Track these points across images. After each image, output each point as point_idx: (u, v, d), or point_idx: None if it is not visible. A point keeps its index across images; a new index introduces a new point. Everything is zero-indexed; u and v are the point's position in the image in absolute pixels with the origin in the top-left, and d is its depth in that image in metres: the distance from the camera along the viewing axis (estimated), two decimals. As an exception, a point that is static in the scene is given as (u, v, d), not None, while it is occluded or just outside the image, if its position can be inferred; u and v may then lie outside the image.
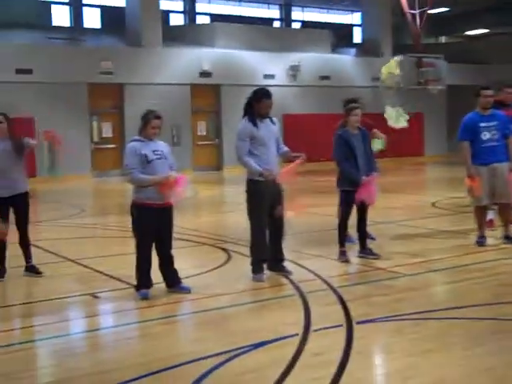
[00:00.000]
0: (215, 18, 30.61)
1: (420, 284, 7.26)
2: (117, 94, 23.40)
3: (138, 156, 6.71)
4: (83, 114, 22.73)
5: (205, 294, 6.93)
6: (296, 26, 34.44)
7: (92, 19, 28.44)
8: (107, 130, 23.49)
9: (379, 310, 6.21)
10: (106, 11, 28.61)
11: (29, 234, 7.98)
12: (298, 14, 34.83)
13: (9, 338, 5.84)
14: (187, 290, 6.95)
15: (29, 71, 21.31)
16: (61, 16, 27.90)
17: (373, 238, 9.35)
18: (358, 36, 35.43)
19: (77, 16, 28.03)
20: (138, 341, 5.79)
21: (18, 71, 21.15)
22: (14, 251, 7.99)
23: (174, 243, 7.13)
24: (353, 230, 8.76)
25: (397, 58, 8.94)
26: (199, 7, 31.57)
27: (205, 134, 25.43)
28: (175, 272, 7.02)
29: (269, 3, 33.68)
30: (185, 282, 7.07)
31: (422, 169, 25.90)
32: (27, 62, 21.41)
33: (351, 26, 36.72)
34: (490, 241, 9.20)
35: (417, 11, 28.08)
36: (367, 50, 29.80)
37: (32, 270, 7.93)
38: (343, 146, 8.25)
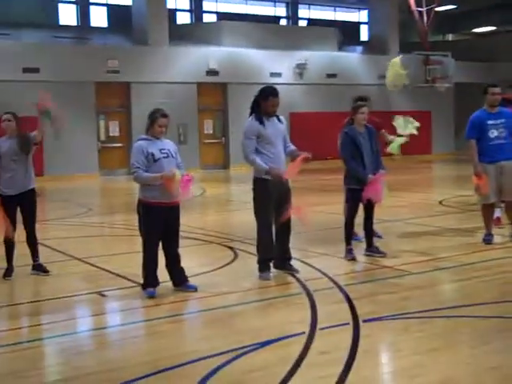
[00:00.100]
0: (222, 16, 30.60)
1: (427, 282, 7.25)
2: (123, 93, 23.44)
3: (144, 155, 6.72)
4: (90, 113, 22.78)
5: (211, 292, 6.94)
6: (303, 23, 34.39)
7: (99, 18, 28.47)
8: (114, 129, 23.52)
9: (386, 308, 6.20)
10: (113, 10, 28.64)
11: (36, 233, 8.00)
12: (304, 12, 34.78)
13: (16, 336, 5.87)
14: (194, 289, 6.96)
15: (36, 70, 21.36)
16: (68, 15, 27.95)
17: (379, 236, 9.34)
18: (364, 34, 35.36)
19: (84, 15, 28.07)
20: (145, 339, 5.80)
21: (25, 70, 21.20)
22: (21, 250, 8.02)
23: (181, 242, 7.14)
24: (359, 228, 8.75)
25: (397, 59, 8.88)
26: (206, 6, 31.56)
27: (211, 132, 25.43)
28: (182, 270, 7.03)
29: (275, 1, 33.66)
30: (191, 281, 7.07)
31: (430, 167, 25.86)
32: (34, 61, 21.47)
33: (358, 23, 36.65)
34: (497, 239, 9.18)
35: (424, 9, 28.06)
36: (374, 47, 29.75)
37: (39, 268, 7.96)
38: (350, 144, 8.23)
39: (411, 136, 9.62)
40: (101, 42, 24.76)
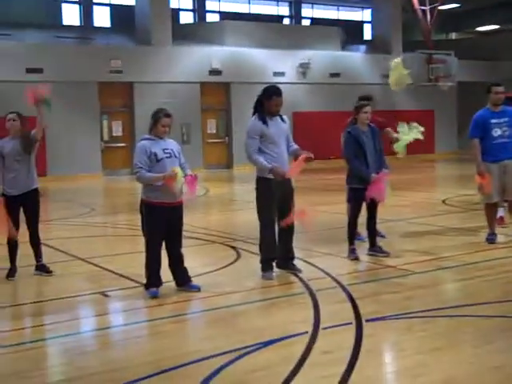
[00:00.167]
0: (225, 15, 30.60)
1: (430, 282, 7.25)
2: (127, 93, 23.45)
3: (147, 155, 6.73)
4: (93, 113, 22.80)
5: (214, 292, 6.94)
6: (306, 23, 34.38)
7: (102, 18, 28.49)
8: (117, 129, 23.53)
9: (389, 308, 6.20)
10: (116, 10, 28.66)
11: (39, 233, 8.00)
12: (307, 11, 34.75)
13: (20, 336, 5.88)
14: (197, 289, 6.96)
15: (39, 70, 21.37)
16: (71, 15, 27.97)
17: (383, 236, 9.34)
18: (368, 33, 35.31)
19: (87, 15, 28.08)
20: (148, 339, 5.81)
21: (29, 70, 21.22)
22: (24, 250, 8.03)
23: (184, 242, 7.15)
24: (362, 227, 8.75)
25: (399, 59, 8.84)
26: (209, 5, 31.56)
27: (215, 132, 25.43)
28: (185, 270, 7.03)
29: (278, 0, 33.66)
30: (194, 281, 7.08)
31: (433, 166, 25.84)
32: (38, 61, 21.50)
33: (361, 22, 36.62)
34: (500, 238, 9.17)
35: (427, 7, 28.01)
36: (377, 46, 29.72)
37: (42, 268, 7.96)
38: (353, 144, 8.23)
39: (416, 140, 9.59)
40: (104, 42, 24.78)
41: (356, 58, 28.62)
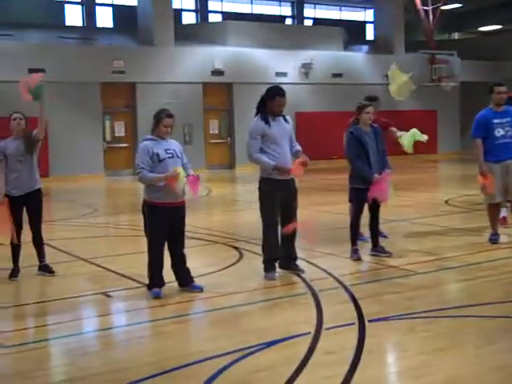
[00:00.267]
0: (227, 16, 30.61)
1: (432, 282, 7.24)
2: (129, 93, 23.46)
3: (149, 155, 6.73)
4: (96, 114, 22.81)
5: (217, 292, 6.94)
6: (308, 23, 34.38)
7: (104, 18, 28.51)
8: (120, 130, 23.54)
9: (391, 308, 6.20)
10: (119, 10, 28.67)
11: (42, 233, 8.01)
12: (310, 12, 34.75)
13: (22, 336, 5.88)
14: (199, 289, 6.96)
15: (42, 71, 21.33)
16: (73, 15, 27.99)
17: (385, 236, 9.33)
18: (370, 33, 35.30)
19: (89, 15, 28.11)
20: (151, 340, 5.81)
21: (31, 71, 21.17)
22: (27, 250, 8.03)
23: (186, 242, 7.14)
24: (365, 228, 8.74)
25: (394, 68, 8.82)
26: (211, 5, 31.56)
27: (217, 132, 25.44)
28: (187, 271, 7.03)
29: (281, 0, 33.65)
30: (197, 281, 7.08)
31: (435, 166, 25.81)
32: (40, 61, 21.49)
33: (364, 23, 36.61)
34: (503, 238, 9.17)
35: (430, 7, 28.03)
36: (380, 47, 29.71)
37: (45, 269, 7.97)
38: (355, 144, 8.22)
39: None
40: (106, 43, 24.80)
41: (358, 58, 28.61)
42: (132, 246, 9.91)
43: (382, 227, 9.12)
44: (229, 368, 4.79)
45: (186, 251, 7.07)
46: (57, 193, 18.15)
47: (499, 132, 8.86)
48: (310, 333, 5.47)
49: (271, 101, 7.42)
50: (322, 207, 13.03)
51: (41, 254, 8.01)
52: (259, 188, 7.54)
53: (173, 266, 7.00)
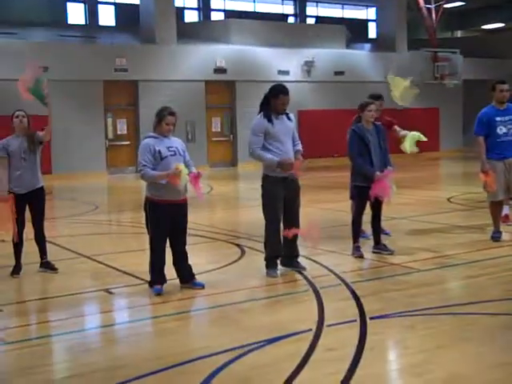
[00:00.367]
0: (229, 14, 30.60)
1: (434, 279, 7.24)
2: (131, 91, 23.47)
3: (151, 153, 6.73)
4: (98, 112, 22.82)
5: (219, 289, 6.95)
6: (310, 21, 34.35)
7: (107, 17, 28.52)
8: (122, 127, 23.55)
9: (393, 306, 6.20)
10: (121, 9, 28.68)
11: (44, 231, 8.03)
12: (312, 10, 34.73)
13: (25, 333, 5.89)
14: (201, 286, 6.97)
15: (44, 69, 21.38)
16: (76, 14, 28.01)
17: (387, 234, 9.34)
18: (372, 31, 35.28)
19: (92, 14, 28.12)
20: (152, 336, 5.82)
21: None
22: (29, 247, 8.05)
23: (188, 239, 7.16)
24: (367, 225, 8.74)
25: (392, 76, 8.82)
26: (213, 4, 31.56)
27: (219, 130, 25.45)
28: (189, 268, 7.04)
29: (283, -1, 33.66)
30: (199, 278, 7.09)
31: (438, 164, 25.80)
32: (43, 59, 21.46)
33: (366, 21, 36.58)
34: (505, 236, 9.16)
35: (432, 5, 28.01)
36: (382, 45, 29.69)
37: (47, 266, 7.98)
38: (357, 142, 8.22)
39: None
40: (109, 41, 24.80)
41: (361, 56, 28.59)
42: (134, 243, 9.94)
43: (384, 225, 9.12)
44: (231, 364, 4.80)
45: (188, 248, 7.08)
46: (59, 190, 18.17)
47: (501, 130, 8.86)
48: (311, 330, 5.48)
49: (275, 99, 7.42)
50: (323, 205, 13.04)
51: (43, 251, 8.02)
52: (262, 185, 7.54)
53: (174, 263, 7.00)
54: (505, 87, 8.96)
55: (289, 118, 7.59)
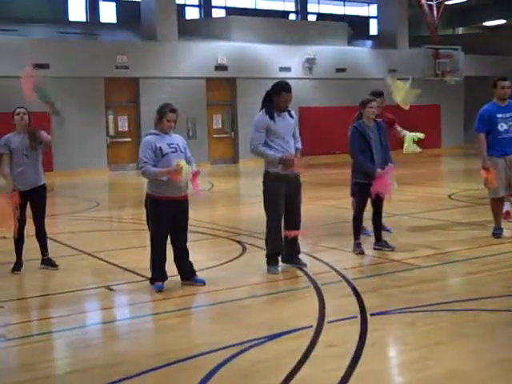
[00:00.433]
0: (231, 11, 30.57)
1: (435, 276, 7.25)
2: (132, 88, 23.46)
3: (152, 150, 6.74)
4: (99, 108, 22.81)
5: (220, 286, 6.95)
6: (312, 18, 34.32)
7: (108, 14, 28.51)
8: (123, 124, 23.54)
9: (393, 302, 6.20)
10: (122, 5, 28.67)
11: (45, 227, 8.03)
12: (313, 7, 34.70)
13: (26, 329, 5.92)
14: (202, 283, 6.98)
15: (45, 66, 21.40)
16: (77, 11, 28.00)
17: (388, 230, 9.33)
18: (374, 28, 35.24)
19: (93, 10, 28.11)
20: (153, 333, 5.83)
21: (35, 66, 21.23)
22: (30, 244, 8.05)
23: (189, 236, 7.17)
24: (368, 222, 8.74)
25: (389, 80, 8.87)
26: (215, 1, 31.53)
27: (220, 127, 25.44)
28: (190, 265, 7.05)
29: (284, -5, 33.62)
30: (200, 275, 7.09)
31: (439, 160, 25.77)
32: (44, 56, 21.50)
33: (367, 18, 36.55)
34: (506, 233, 9.15)
35: (434, 2, 27.97)
36: (383, 42, 29.64)
37: (48, 262, 7.99)
38: (358, 139, 8.22)
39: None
40: (110, 38, 24.79)
41: (362, 53, 28.55)
42: (135, 239, 9.95)
43: (385, 221, 9.11)
44: (232, 360, 4.81)
45: (189, 245, 7.08)
46: (60, 187, 18.17)
47: (502, 126, 8.85)
48: (312, 326, 5.49)
49: (277, 96, 7.42)
50: (325, 202, 13.04)
51: (44, 248, 8.03)
52: (263, 182, 7.54)
53: (175, 259, 7.01)
54: (506, 84, 8.95)
55: (290, 115, 7.60)
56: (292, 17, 34.14)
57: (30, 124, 7.85)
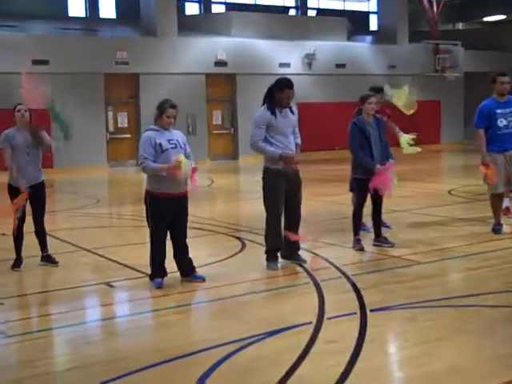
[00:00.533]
0: (230, 7, 30.50)
1: (434, 272, 7.25)
2: (132, 84, 23.44)
3: (152, 145, 6.73)
4: (99, 105, 22.79)
5: (219, 282, 6.95)
6: (312, 13, 34.26)
7: (107, 9, 28.44)
8: (123, 120, 23.52)
9: (393, 298, 6.21)
10: (121, 1, 28.56)
11: (45, 224, 8.03)
12: (313, 2, 34.61)
13: (26, 326, 5.91)
14: (202, 279, 6.98)
15: (45, 62, 21.38)
16: (76, 6, 27.94)
17: (388, 226, 9.34)
18: (374, 23, 35.17)
19: (92, 6, 28.03)
20: (153, 329, 5.83)
21: (35, 62, 21.22)
22: (30, 241, 8.05)
23: (189, 232, 7.16)
24: (367, 218, 8.74)
25: (387, 88, 8.91)
26: (214, -4, 31.49)
27: (220, 123, 25.42)
28: (190, 261, 7.04)
29: (284, -9, 33.56)
30: (199, 271, 7.09)
31: (438, 156, 25.76)
32: (43, 52, 21.49)
33: (367, 13, 36.47)
34: (506, 228, 9.16)
35: (434, -3, 27.90)
36: (383, 37, 29.61)
37: (48, 259, 7.99)
38: (358, 134, 8.22)
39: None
40: (109, 34, 24.75)
41: (362, 48, 28.53)
42: (135, 236, 9.95)
43: (385, 217, 9.12)
44: (231, 357, 4.81)
45: (189, 241, 7.08)
46: (60, 184, 18.17)
47: (502, 122, 8.85)
48: (311, 322, 5.49)
49: (279, 92, 7.41)
50: (324, 198, 13.04)
51: (43, 245, 8.03)
52: (263, 178, 7.53)
53: (175, 256, 7.01)
54: (505, 79, 8.95)
55: (292, 112, 7.60)
56: (292, 12, 34.07)
57: (31, 121, 7.84)
